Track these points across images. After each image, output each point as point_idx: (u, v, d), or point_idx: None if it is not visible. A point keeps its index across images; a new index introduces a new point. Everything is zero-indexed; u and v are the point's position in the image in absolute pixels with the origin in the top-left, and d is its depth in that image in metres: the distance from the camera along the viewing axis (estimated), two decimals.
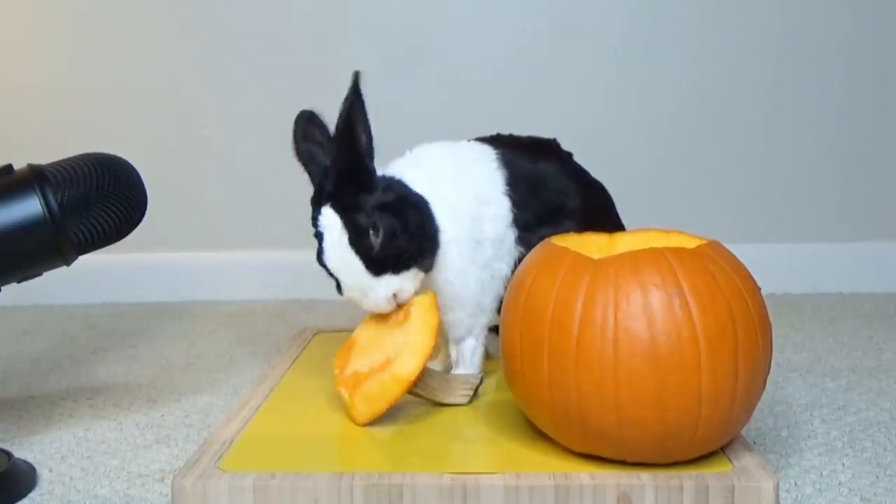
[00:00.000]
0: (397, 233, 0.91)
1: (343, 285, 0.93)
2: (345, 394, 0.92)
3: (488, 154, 1.02)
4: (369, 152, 0.94)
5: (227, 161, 1.69)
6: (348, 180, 0.92)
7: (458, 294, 0.97)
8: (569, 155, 1.07)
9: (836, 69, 1.65)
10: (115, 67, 1.68)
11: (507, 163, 1.01)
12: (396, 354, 0.90)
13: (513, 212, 1.00)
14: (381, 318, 0.96)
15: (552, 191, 1.02)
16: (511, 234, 1.00)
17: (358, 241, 0.91)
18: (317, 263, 0.94)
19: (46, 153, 0.99)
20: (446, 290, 0.97)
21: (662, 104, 1.67)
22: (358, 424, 0.91)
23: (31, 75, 1.68)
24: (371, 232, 0.91)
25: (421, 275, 0.94)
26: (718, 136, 1.67)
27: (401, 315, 0.93)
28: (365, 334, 0.97)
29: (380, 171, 0.96)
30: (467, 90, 1.66)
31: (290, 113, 0.98)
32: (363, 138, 0.93)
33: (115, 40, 1.68)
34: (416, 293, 0.94)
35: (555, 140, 1.08)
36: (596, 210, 1.04)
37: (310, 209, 0.95)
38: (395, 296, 0.92)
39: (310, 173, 0.97)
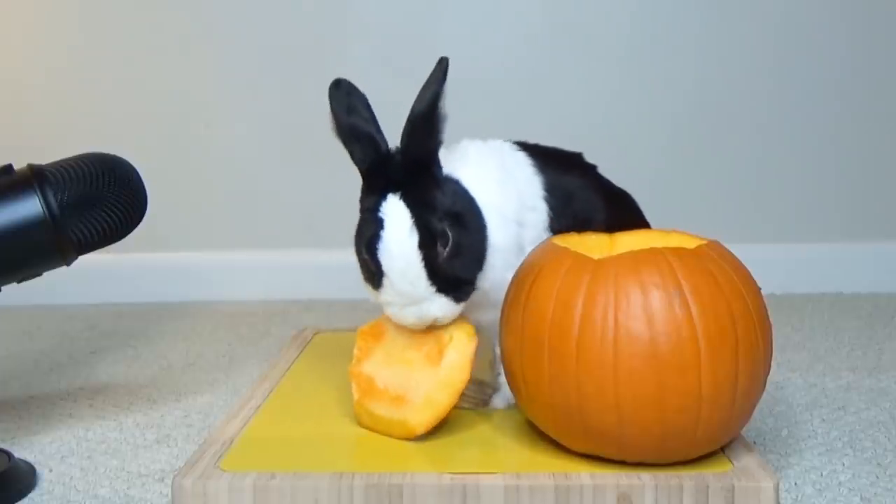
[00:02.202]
0: (462, 250, 0.87)
1: (390, 286, 0.86)
2: (355, 392, 0.91)
3: (523, 159, 0.98)
4: (441, 144, 0.89)
5: (227, 161, 1.69)
6: (420, 172, 0.87)
7: (493, 299, 0.92)
8: (592, 168, 1.04)
9: (836, 69, 1.65)
10: (115, 68, 1.68)
11: (542, 169, 0.98)
12: (413, 398, 0.87)
13: (549, 216, 0.96)
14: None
15: (582, 202, 0.99)
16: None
17: (427, 245, 0.85)
18: (357, 253, 0.88)
19: (46, 153, 0.98)
20: (478, 297, 0.92)
21: (663, 104, 1.67)
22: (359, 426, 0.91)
23: (31, 75, 1.68)
24: (440, 239, 0.85)
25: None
26: (719, 136, 1.67)
27: (434, 349, 0.88)
28: (397, 336, 0.91)
29: None
30: (467, 90, 1.65)
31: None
32: (440, 130, 0.87)
33: (115, 41, 1.68)
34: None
35: (580, 154, 1.05)
36: (620, 223, 1.00)
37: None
38: (436, 319, 0.87)
39: (352, 152, 0.89)
